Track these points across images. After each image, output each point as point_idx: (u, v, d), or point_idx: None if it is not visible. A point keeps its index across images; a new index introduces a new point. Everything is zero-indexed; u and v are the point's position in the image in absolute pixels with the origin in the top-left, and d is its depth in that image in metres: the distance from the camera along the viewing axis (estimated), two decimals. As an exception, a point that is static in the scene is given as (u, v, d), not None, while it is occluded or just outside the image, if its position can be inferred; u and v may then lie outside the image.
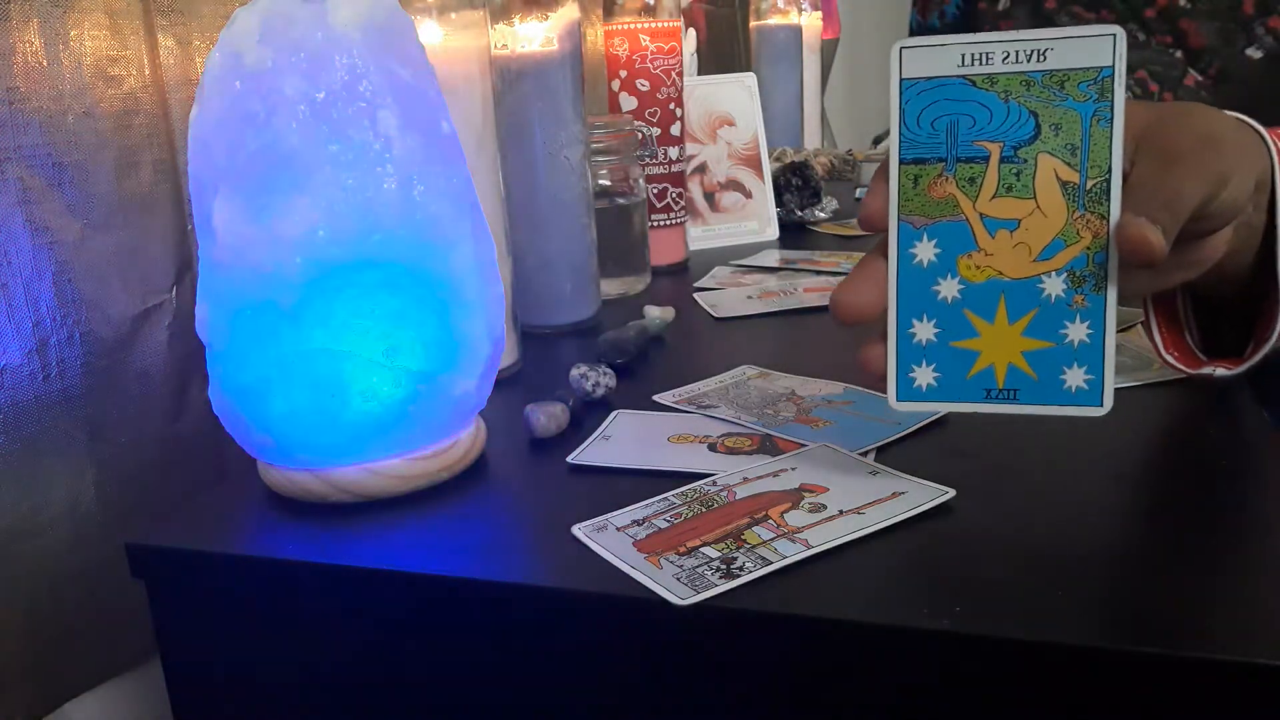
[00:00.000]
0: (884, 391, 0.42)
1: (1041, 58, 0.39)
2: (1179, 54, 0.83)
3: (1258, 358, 0.48)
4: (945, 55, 0.39)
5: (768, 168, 1.05)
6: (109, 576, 0.55)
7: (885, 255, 0.41)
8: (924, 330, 0.41)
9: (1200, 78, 0.82)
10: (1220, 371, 0.50)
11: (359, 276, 0.42)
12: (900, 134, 0.40)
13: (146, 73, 0.58)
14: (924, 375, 0.41)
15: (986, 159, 0.39)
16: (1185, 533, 0.39)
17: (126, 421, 0.58)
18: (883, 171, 0.41)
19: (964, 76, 0.39)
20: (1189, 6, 0.82)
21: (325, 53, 0.42)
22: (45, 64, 0.52)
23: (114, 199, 0.57)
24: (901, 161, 0.40)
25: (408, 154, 0.43)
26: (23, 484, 0.52)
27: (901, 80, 0.40)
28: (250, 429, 0.45)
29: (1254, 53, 0.80)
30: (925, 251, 0.40)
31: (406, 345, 0.44)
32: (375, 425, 0.44)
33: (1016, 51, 0.39)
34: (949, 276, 0.40)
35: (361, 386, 0.43)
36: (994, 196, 0.39)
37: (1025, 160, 0.39)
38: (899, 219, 0.40)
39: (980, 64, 0.39)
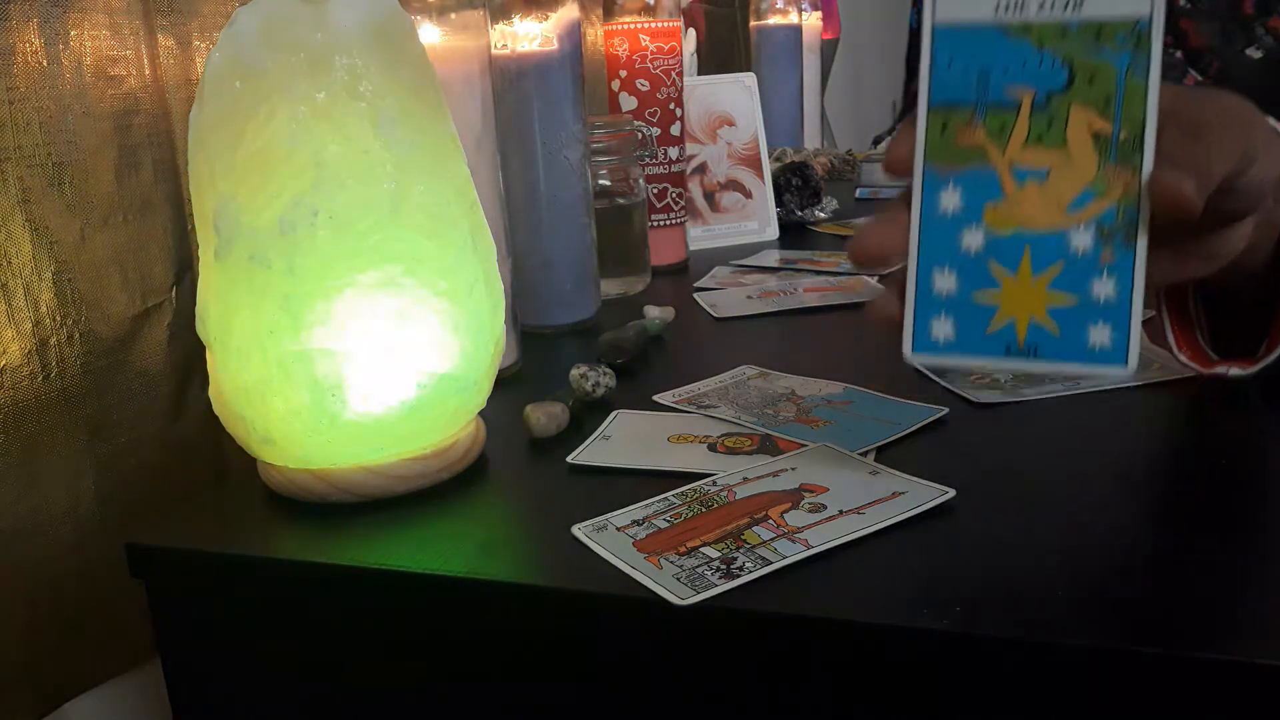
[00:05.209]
0: (896, 340, 0.40)
1: (1078, 6, 0.37)
2: (1179, 54, 0.83)
3: (1272, 357, 0.48)
4: (980, 0, 0.38)
5: (768, 168, 1.05)
6: (109, 576, 0.55)
7: (909, 204, 0.39)
8: (944, 281, 0.39)
9: (1200, 78, 0.83)
10: (1234, 371, 0.49)
11: (359, 276, 0.42)
12: (930, 78, 0.39)
13: (146, 73, 0.58)
14: (942, 328, 0.39)
15: (1018, 107, 0.38)
16: (1187, 533, 0.39)
17: (126, 421, 0.58)
18: (911, 117, 0.40)
19: (998, 23, 0.38)
20: (1189, 6, 0.82)
21: (325, 53, 0.42)
22: (45, 64, 0.52)
23: (114, 199, 0.57)
24: (930, 106, 0.39)
25: (407, 154, 0.43)
26: (23, 484, 0.52)
27: (934, 24, 0.39)
28: (250, 429, 0.45)
29: (1254, 53, 0.80)
30: (950, 200, 0.39)
31: (406, 345, 0.44)
32: (375, 425, 0.44)
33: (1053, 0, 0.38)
34: (974, 226, 0.39)
35: (361, 386, 0.43)
36: (1024, 145, 0.38)
37: (1057, 109, 0.38)
38: (925, 165, 0.39)
39: (1015, 11, 0.38)
